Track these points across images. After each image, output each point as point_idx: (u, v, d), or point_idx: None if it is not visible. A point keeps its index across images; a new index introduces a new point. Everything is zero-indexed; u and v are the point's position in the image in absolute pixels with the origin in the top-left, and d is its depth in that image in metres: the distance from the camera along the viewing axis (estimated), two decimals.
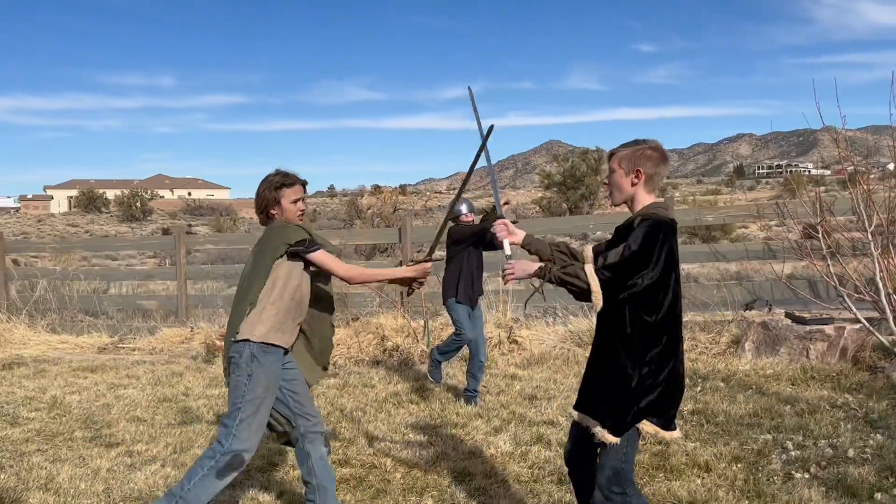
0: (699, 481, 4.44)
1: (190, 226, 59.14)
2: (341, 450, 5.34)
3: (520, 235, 3.27)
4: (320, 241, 3.69)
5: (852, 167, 8.28)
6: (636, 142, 3.04)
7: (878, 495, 4.04)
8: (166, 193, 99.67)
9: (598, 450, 3.01)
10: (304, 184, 3.81)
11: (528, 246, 3.27)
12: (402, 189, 64.60)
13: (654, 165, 2.99)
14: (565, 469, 4.70)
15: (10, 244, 13.08)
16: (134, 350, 10.16)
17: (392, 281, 3.96)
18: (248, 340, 3.57)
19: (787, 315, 7.77)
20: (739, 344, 7.75)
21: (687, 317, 8.69)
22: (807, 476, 4.42)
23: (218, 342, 9.12)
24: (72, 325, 11.39)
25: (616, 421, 2.90)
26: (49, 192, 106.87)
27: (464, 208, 6.68)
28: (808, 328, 7.33)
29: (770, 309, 8.29)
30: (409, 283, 3.90)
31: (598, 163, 46.68)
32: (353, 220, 37.28)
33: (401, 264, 9.97)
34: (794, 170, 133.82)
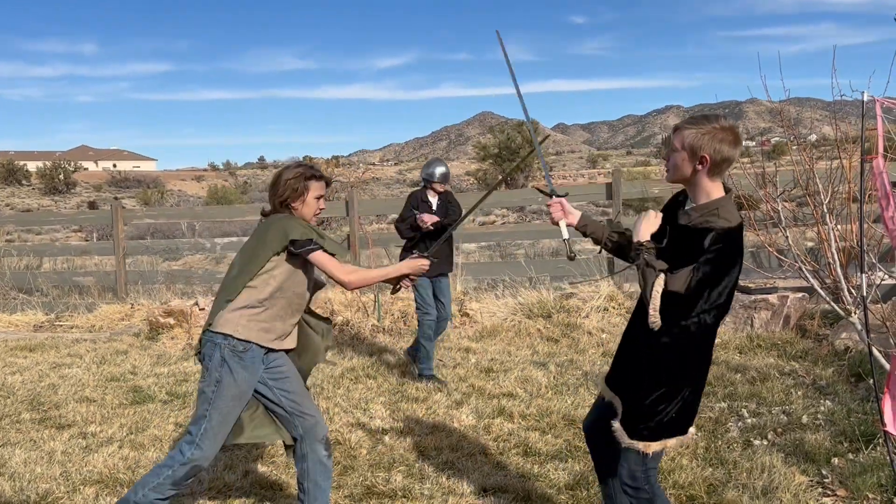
0: None
1: (116, 198, 57.47)
2: None
3: (576, 216, 2.99)
4: (321, 242, 3.42)
5: (778, 138, 8.48)
6: (706, 118, 2.64)
7: (836, 460, 4.19)
8: (90, 165, 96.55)
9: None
10: (328, 182, 3.59)
11: (584, 228, 3.01)
12: (336, 160, 63.96)
13: (725, 150, 2.59)
14: (530, 441, 4.79)
15: None
16: (72, 328, 9.85)
17: (386, 280, 3.71)
18: (225, 336, 3.32)
19: None
20: None
21: (634, 288, 8.85)
22: (765, 443, 4.56)
23: (161, 318, 8.91)
24: (4, 302, 10.98)
25: (643, 431, 2.79)
26: None
27: (437, 172, 6.43)
28: (752, 297, 7.54)
29: None
30: (399, 281, 3.71)
31: (536, 134, 47.01)
32: None
33: (348, 238, 9.88)
34: None
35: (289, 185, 3.46)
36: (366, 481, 4.29)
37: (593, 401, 5.55)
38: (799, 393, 5.48)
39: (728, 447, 4.53)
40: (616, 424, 2.83)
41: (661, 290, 2.55)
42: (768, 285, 7.81)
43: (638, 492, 2.88)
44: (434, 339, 6.54)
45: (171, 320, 8.92)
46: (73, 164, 76.54)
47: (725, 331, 7.39)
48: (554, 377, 6.39)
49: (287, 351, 3.58)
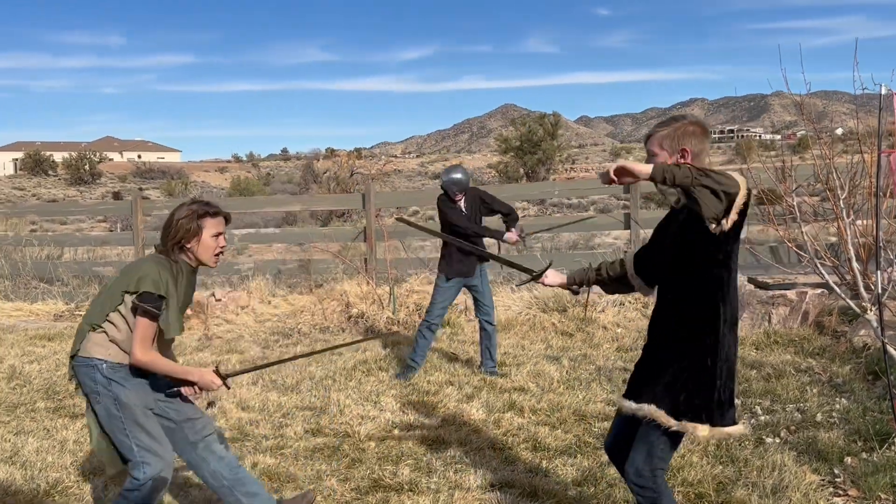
0: None
1: (141, 189, 57.99)
2: (313, 419, 5.29)
3: (562, 278, 3.24)
4: (160, 309, 3.15)
5: (803, 132, 8.37)
6: (674, 118, 2.83)
7: (848, 459, 4.13)
8: (115, 156, 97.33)
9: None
10: (227, 218, 3.35)
11: (573, 283, 3.28)
12: (358, 153, 64.04)
13: (699, 141, 2.77)
14: (539, 436, 4.76)
15: None
16: None
17: (172, 379, 3.30)
18: (99, 359, 3.17)
19: (750, 280, 7.89)
20: None
21: None
22: (777, 440, 4.50)
23: None
24: (25, 292, 11.09)
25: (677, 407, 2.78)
26: None
27: (452, 184, 6.21)
28: (770, 293, 7.45)
29: None
30: (180, 385, 3.35)
31: (556, 127, 46.81)
32: (308, 185, 36.90)
33: (364, 231, 9.88)
34: (745, 135, 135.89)
35: (181, 225, 3.23)
36: (373, 474, 4.29)
37: (605, 396, 5.54)
38: (814, 390, 5.40)
39: (739, 445, 4.48)
40: (649, 407, 2.80)
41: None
42: (787, 281, 7.71)
43: (644, 490, 2.88)
44: (429, 343, 6.46)
45: (188, 311, 8.97)
46: (98, 154, 77.28)
47: (742, 326, 7.30)
48: (567, 372, 6.35)
49: None
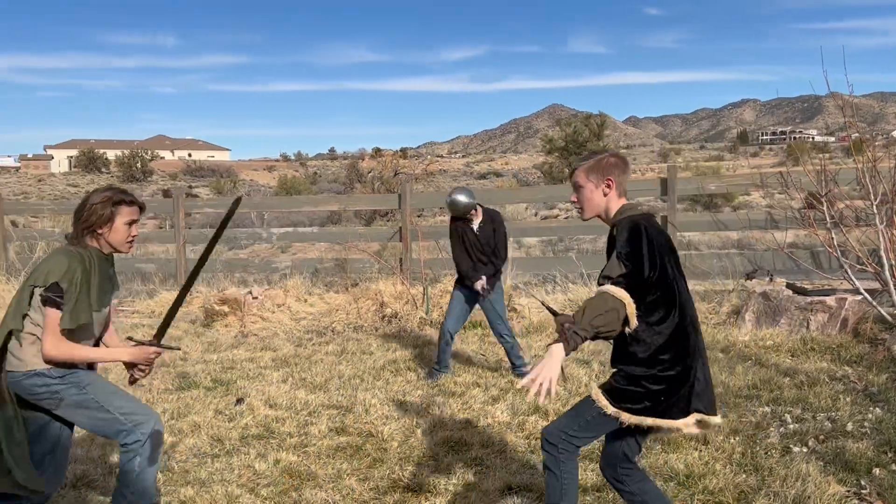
0: (696, 454, 4.42)
1: (191, 187, 58.97)
2: (338, 418, 5.33)
3: (563, 352, 2.83)
4: (67, 301, 3.08)
5: (857, 134, 8.19)
6: (595, 153, 3.07)
7: (877, 470, 4.02)
8: (167, 154, 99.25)
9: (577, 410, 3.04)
10: (142, 207, 3.37)
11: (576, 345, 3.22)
12: (403, 152, 64.26)
13: (620, 172, 3.00)
14: None
15: (9, 205, 13.00)
16: (133, 313, 10.14)
17: (111, 362, 3.32)
18: (40, 369, 3.14)
19: (789, 285, 7.73)
20: (739, 314, 7.72)
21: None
22: (805, 450, 4.40)
23: (216, 306, 9.11)
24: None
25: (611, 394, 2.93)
26: (49, 151, 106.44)
27: (457, 206, 6.22)
28: (808, 299, 7.29)
29: (771, 279, 8.25)
30: (130, 368, 3.41)
31: (601, 128, 46.46)
32: (353, 184, 37.16)
33: (400, 231, 9.92)
34: (798, 136, 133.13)
35: (94, 209, 3.22)
36: (392, 474, 4.31)
37: None
38: (847, 399, 5.27)
39: (765, 453, 4.39)
40: (595, 389, 2.98)
41: (611, 285, 2.76)
42: (827, 287, 7.54)
43: (550, 447, 3.02)
44: (447, 348, 6.40)
45: (226, 308, 9.11)
46: (150, 153, 78.81)
47: (779, 333, 7.16)
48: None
49: None
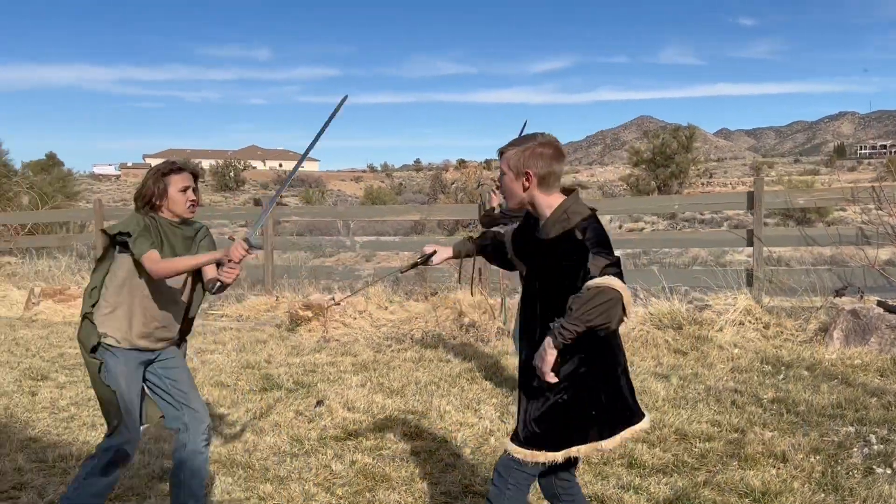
0: (774, 471, 4.34)
1: (281, 196, 60.51)
2: (413, 422, 5.43)
3: (448, 251, 3.18)
4: (132, 238, 3.31)
5: None
6: (524, 138, 2.77)
7: None
8: (258, 164, 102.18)
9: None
10: (194, 173, 3.53)
11: (459, 255, 3.16)
12: (487, 164, 64.43)
13: (546, 164, 2.70)
14: (636, 453, 4.71)
15: (109, 211, 13.64)
16: (222, 316, 10.50)
17: (207, 263, 3.42)
18: (99, 333, 3.44)
19: (880, 303, 7.47)
20: (827, 332, 7.49)
21: (774, 302, 8.45)
22: (889, 472, 4.26)
23: (301, 311, 9.37)
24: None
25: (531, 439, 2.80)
26: (148, 160, 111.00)
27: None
28: None
29: (862, 296, 7.98)
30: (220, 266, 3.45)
31: (691, 140, 45.64)
32: (437, 195, 37.48)
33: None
34: None
35: (148, 185, 3.44)
36: (464, 480, 4.37)
37: (710, 416, 5.39)
38: None
39: (847, 473, 4.27)
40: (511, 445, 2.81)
41: (610, 277, 2.57)
42: None
43: (498, 477, 2.85)
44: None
45: (310, 313, 9.35)
46: (242, 163, 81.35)
47: (868, 351, 6.93)
48: (674, 390, 6.22)
49: (179, 344, 3.72)
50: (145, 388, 3.60)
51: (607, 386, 2.75)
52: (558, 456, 2.74)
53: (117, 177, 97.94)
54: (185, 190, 3.46)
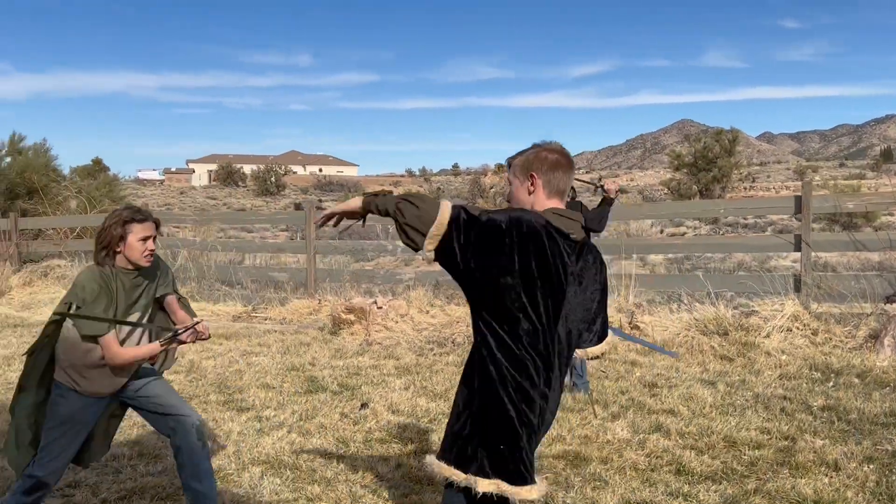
0: (826, 480, 4.26)
1: (320, 201, 60.90)
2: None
3: (357, 201, 2.66)
4: (80, 316, 3.34)
5: None
6: (533, 146, 2.66)
7: None
8: (299, 169, 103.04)
9: None
10: (157, 222, 3.54)
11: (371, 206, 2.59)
12: None
13: (550, 168, 2.58)
14: (684, 460, 4.66)
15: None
16: (266, 319, 10.62)
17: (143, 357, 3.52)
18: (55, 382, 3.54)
19: None
20: (878, 338, 7.34)
21: (822, 308, 8.31)
22: None
23: (343, 315, 9.42)
24: (209, 293, 12.01)
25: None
26: (191, 165, 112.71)
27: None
28: None
29: None
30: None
31: (733, 143, 45.04)
32: (475, 199, 37.47)
33: None
34: None
35: (109, 231, 3.43)
36: None
37: (759, 423, 5.31)
38: None
39: None
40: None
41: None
42: None
43: None
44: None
45: (352, 317, 9.41)
46: (283, 167, 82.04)
47: None
48: (722, 396, 6.14)
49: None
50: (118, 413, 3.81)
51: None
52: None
53: (161, 181, 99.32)
54: (145, 239, 3.46)
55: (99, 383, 3.49)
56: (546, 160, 2.59)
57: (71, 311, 3.35)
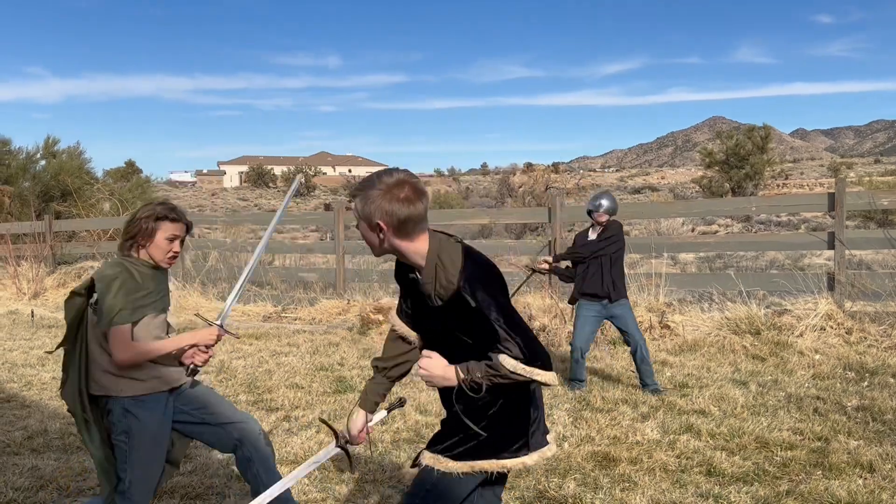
0: (861, 482, 4.19)
1: (350, 201, 61.21)
2: None
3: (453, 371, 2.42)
4: (112, 314, 3.13)
5: None
6: (370, 181, 2.34)
7: None
8: (328, 170, 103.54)
9: None
10: (188, 225, 3.38)
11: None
12: (555, 167, 64.08)
13: (400, 207, 2.27)
14: (715, 461, 4.61)
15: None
16: (295, 319, 10.68)
17: (178, 352, 3.32)
18: (111, 397, 3.24)
19: None
20: None
21: (856, 307, 8.18)
22: None
23: (371, 315, 9.45)
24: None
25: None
26: (222, 167, 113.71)
27: (605, 203, 6.36)
28: None
29: None
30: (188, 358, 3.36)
31: (765, 140, 44.51)
32: (504, 199, 37.42)
33: (549, 245, 9.93)
34: None
35: (139, 223, 3.29)
36: (538, 485, 4.33)
37: (792, 424, 5.24)
38: None
39: None
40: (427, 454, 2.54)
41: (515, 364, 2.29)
42: None
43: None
44: (579, 367, 6.55)
45: (381, 317, 9.43)
46: (313, 168, 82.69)
47: None
48: (753, 397, 6.07)
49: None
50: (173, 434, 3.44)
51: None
52: None
53: (193, 183, 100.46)
54: (172, 239, 3.32)
55: (163, 370, 3.29)
56: (393, 203, 2.29)
57: (93, 302, 3.20)
